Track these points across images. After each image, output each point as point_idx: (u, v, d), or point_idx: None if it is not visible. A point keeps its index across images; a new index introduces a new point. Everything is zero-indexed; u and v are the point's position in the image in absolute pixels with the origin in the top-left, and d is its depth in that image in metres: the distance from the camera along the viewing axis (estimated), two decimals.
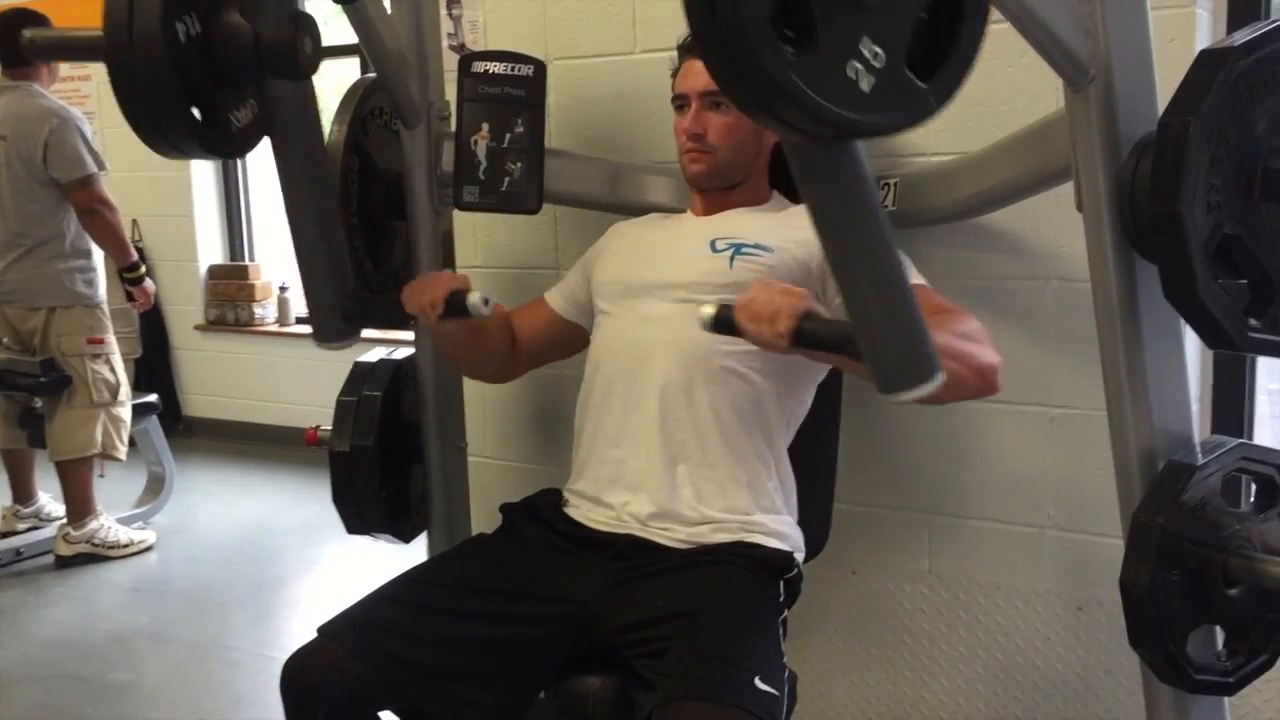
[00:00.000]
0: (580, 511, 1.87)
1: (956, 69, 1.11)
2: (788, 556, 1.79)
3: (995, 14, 1.41)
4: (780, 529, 1.80)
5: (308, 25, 1.63)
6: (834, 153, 1.17)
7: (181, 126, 1.56)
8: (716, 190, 1.92)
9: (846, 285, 1.27)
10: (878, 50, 1.05)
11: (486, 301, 1.76)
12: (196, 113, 1.59)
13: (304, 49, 1.62)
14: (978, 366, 1.56)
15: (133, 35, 1.49)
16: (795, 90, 1.01)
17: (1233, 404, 2.10)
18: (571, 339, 2.05)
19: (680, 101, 1.90)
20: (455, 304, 1.78)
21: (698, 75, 1.85)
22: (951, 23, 1.10)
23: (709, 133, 1.86)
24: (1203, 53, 1.39)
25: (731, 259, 1.83)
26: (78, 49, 1.90)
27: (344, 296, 1.92)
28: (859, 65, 1.04)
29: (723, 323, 1.51)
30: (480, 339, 1.98)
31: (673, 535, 1.77)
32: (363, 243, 2.11)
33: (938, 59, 1.10)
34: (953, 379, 1.41)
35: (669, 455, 1.79)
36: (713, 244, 1.86)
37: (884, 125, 1.11)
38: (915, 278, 1.75)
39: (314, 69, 1.68)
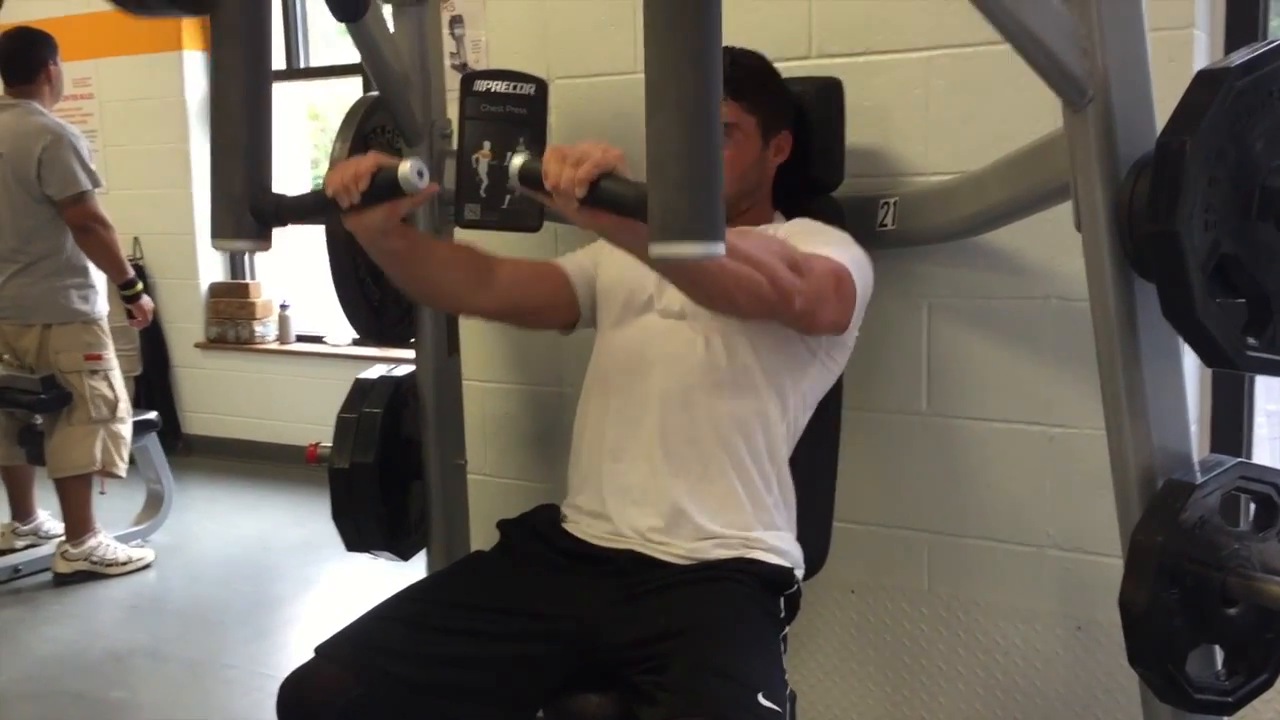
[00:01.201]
0: (579, 527, 1.87)
1: None
2: (788, 573, 1.79)
3: (993, 35, 1.43)
4: (780, 545, 1.80)
5: None
6: None
7: None
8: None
9: (655, 115, 1.14)
10: None
11: (422, 174, 1.50)
12: None
13: None
14: (778, 280, 1.55)
15: None
16: None
17: (1231, 423, 2.10)
18: (561, 308, 1.96)
19: None
20: (383, 180, 1.52)
21: None
22: None
23: None
24: (1200, 73, 1.40)
25: None
26: None
27: (258, 191, 1.60)
28: None
29: (529, 170, 1.42)
30: (428, 254, 1.81)
31: (673, 551, 1.77)
32: (365, 260, 2.11)
33: None
34: (750, 281, 1.50)
35: (669, 469, 1.79)
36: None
37: None
38: (833, 253, 1.73)
39: None
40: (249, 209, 1.55)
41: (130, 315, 4.32)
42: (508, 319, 2.03)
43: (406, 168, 1.47)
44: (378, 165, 1.52)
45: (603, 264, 1.97)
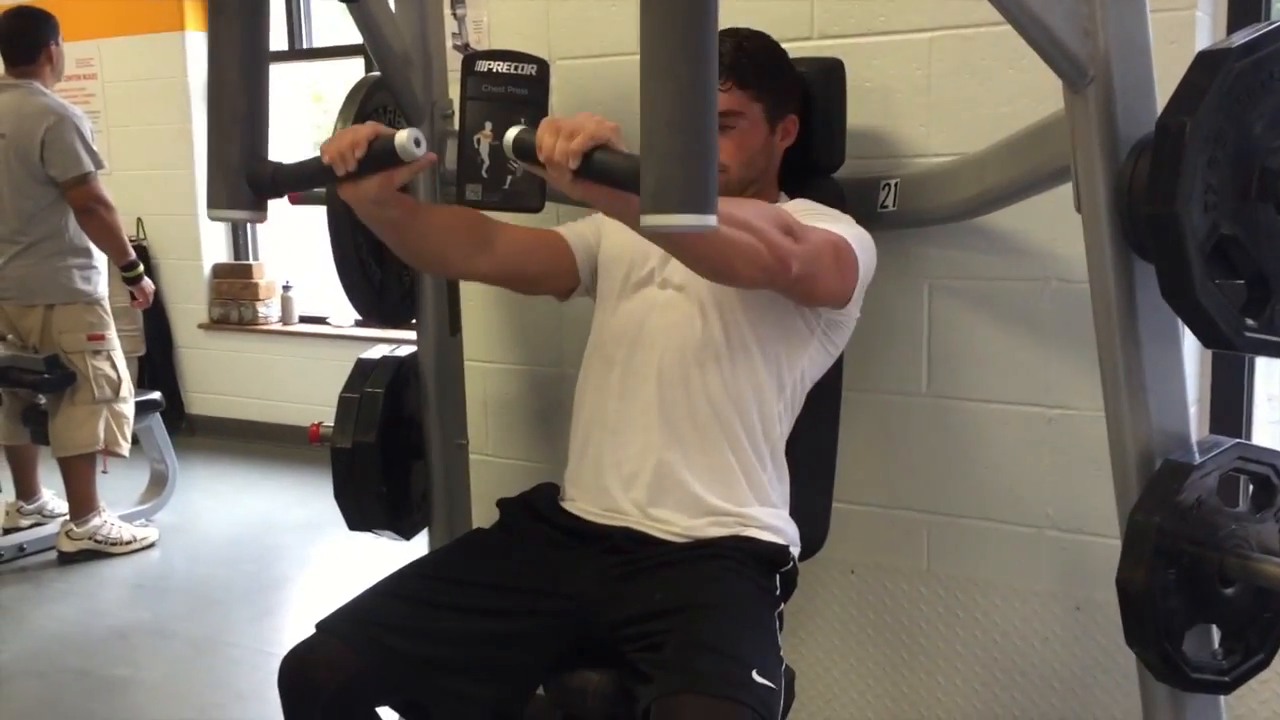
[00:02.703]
0: (577, 504, 1.88)
1: None
2: (783, 550, 1.80)
3: (995, 15, 1.43)
4: (775, 523, 1.81)
5: None
6: None
7: None
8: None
9: (648, 85, 1.14)
10: None
11: (418, 141, 1.51)
12: None
13: None
14: (774, 245, 1.55)
15: None
16: None
17: (1230, 404, 2.10)
18: (559, 275, 1.95)
19: None
20: (380, 149, 1.53)
21: None
22: None
23: (721, 155, 1.85)
24: (1201, 54, 1.40)
25: None
26: None
27: (255, 161, 1.59)
28: None
29: (522, 142, 1.42)
30: (426, 221, 1.80)
31: (669, 529, 1.78)
32: (366, 240, 2.12)
33: None
34: (747, 248, 1.50)
35: (665, 442, 1.80)
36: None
37: None
38: (835, 228, 1.73)
39: None
40: (245, 179, 1.55)
41: (132, 297, 4.33)
42: (507, 283, 1.99)
43: (404, 136, 1.49)
44: (375, 133, 1.53)
45: (605, 235, 1.97)
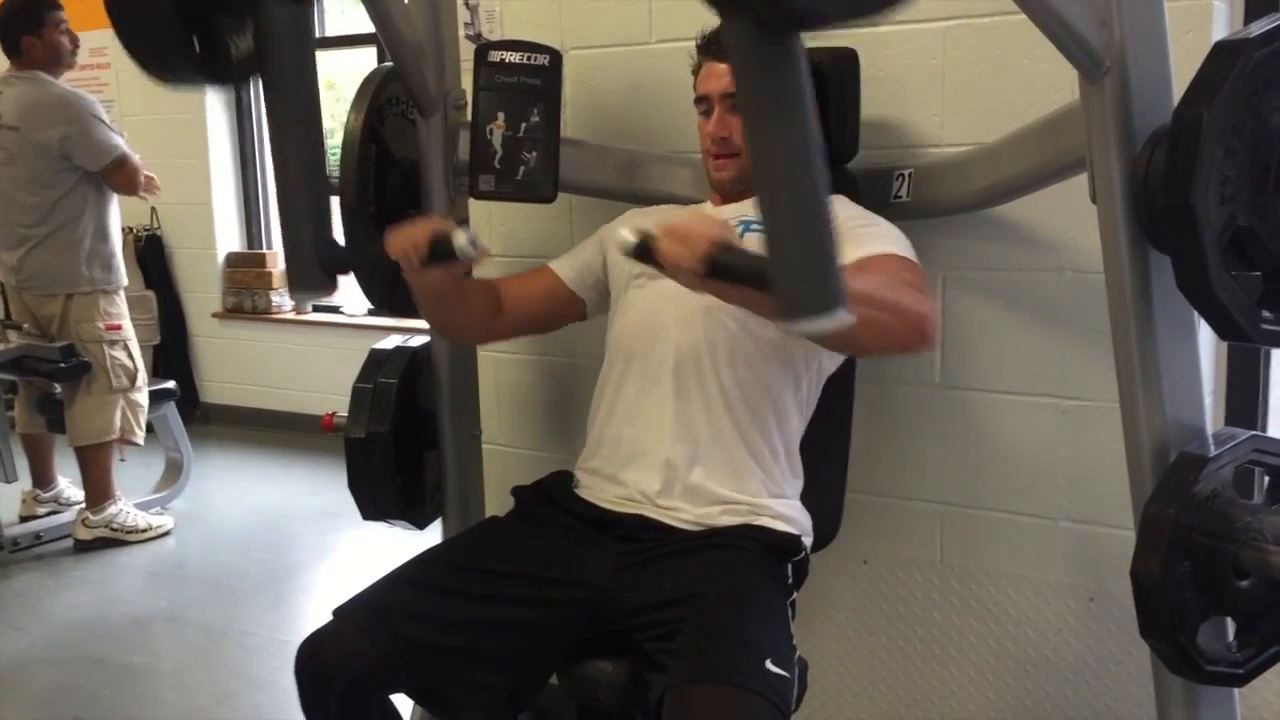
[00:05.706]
0: (591, 491, 1.88)
1: None
2: (795, 540, 1.80)
3: (1009, 5, 1.42)
4: (788, 512, 1.81)
5: None
6: (781, 44, 1.12)
7: (180, 55, 1.55)
8: (743, 192, 1.91)
9: (766, 198, 1.21)
10: None
11: (474, 243, 1.64)
12: (197, 44, 1.57)
13: None
14: (906, 314, 1.54)
15: None
16: None
17: (1246, 396, 2.10)
18: (566, 309, 2.04)
19: (704, 105, 1.90)
20: (440, 247, 1.67)
21: (719, 77, 1.85)
22: None
23: (734, 134, 1.85)
24: (1218, 44, 1.39)
25: (742, 234, 1.82)
26: None
27: (325, 246, 1.76)
28: None
29: (642, 248, 1.46)
30: (463, 296, 1.93)
31: (681, 516, 1.79)
32: (379, 232, 2.12)
33: None
34: (876, 326, 1.47)
35: (680, 434, 1.80)
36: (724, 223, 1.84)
37: (851, 10, 1.09)
38: (892, 247, 1.72)
39: None
40: (320, 266, 1.70)
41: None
42: (523, 334, 2.13)
43: (462, 240, 1.63)
44: (433, 235, 1.66)
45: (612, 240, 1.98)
